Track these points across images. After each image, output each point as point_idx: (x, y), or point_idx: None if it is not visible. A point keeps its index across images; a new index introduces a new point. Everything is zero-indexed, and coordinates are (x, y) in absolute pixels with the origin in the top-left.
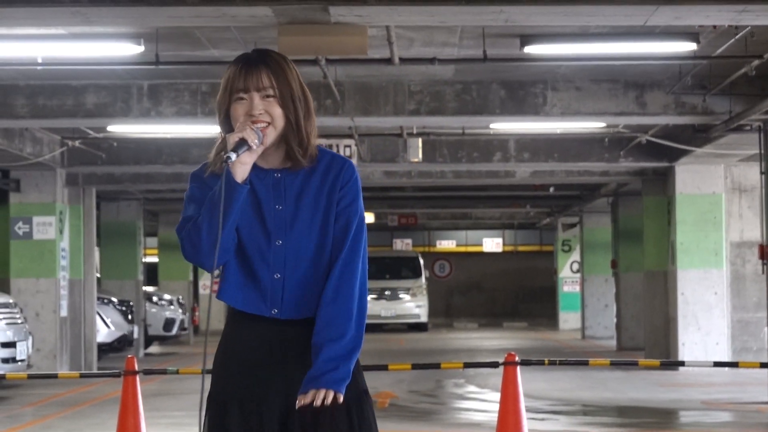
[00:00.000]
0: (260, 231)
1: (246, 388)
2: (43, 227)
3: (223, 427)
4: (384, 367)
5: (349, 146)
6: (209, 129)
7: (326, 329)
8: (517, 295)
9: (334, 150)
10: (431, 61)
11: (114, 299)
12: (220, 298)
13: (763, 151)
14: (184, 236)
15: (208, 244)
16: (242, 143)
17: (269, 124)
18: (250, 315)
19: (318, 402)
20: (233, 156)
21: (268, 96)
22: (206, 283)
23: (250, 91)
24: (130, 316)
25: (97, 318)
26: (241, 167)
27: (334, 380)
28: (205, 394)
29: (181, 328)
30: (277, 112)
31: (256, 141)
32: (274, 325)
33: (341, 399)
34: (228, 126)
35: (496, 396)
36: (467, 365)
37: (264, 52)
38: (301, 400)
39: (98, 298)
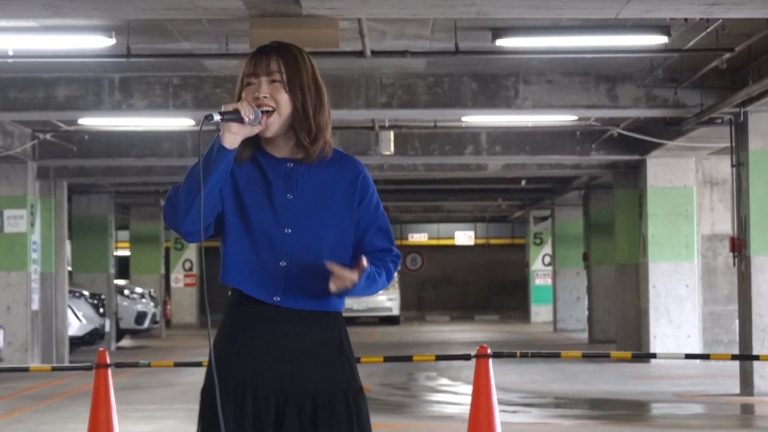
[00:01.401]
0: (270, 218)
1: (241, 371)
2: (14, 220)
3: (216, 413)
4: (356, 360)
5: None
6: (180, 122)
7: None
8: (489, 288)
9: None
10: (403, 53)
11: (85, 292)
12: (223, 281)
13: (734, 144)
14: (165, 201)
15: (185, 206)
16: (234, 112)
17: (274, 110)
18: (252, 300)
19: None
20: (216, 116)
21: (274, 81)
22: (178, 276)
23: (260, 76)
24: (101, 310)
25: (69, 311)
26: (230, 135)
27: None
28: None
29: (153, 321)
30: (283, 98)
31: (251, 116)
32: (274, 312)
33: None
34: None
35: (469, 389)
36: (439, 358)
37: (280, 42)
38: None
39: (70, 292)
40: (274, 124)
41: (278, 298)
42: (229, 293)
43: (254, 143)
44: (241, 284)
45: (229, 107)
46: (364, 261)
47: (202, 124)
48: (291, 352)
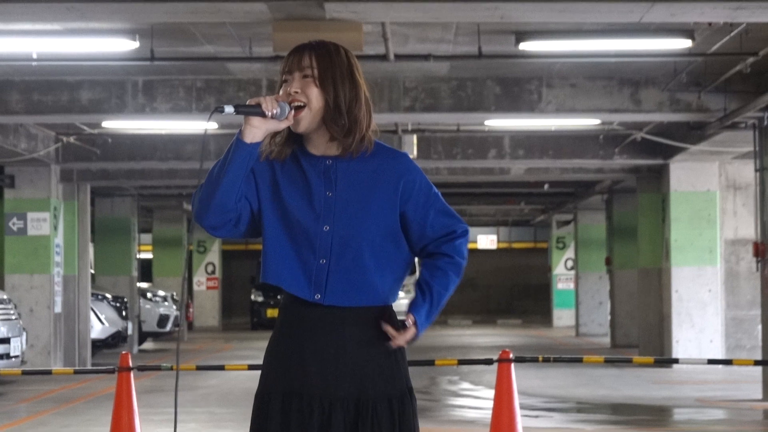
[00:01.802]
0: (309, 215)
1: (289, 379)
2: (38, 223)
3: (265, 420)
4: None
5: None
6: (204, 125)
7: (436, 273)
8: (511, 292)
9: None
10: (426, 57)
11: (108, 295)
12: (264, 280)
13: (757, 149)
14: (193, 197)
15: (206, 200)
16: (255, 106)
17: (305, 105)
18: (297, 300)
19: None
20: (227, 108)
21: (306, 76)
22: (201, 279)
23: (293, 72)
24: (124, 313)
25: (91, 314)
26: (250, 129)
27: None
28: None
29: (175, 324)
30: (314, 92)
31: (274, 111)
32: (317, 310)
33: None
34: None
35: (491, 393)
36: (461, 362)
37: (318, 40)
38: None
39: (92, 294)
40: (305, 119)
41: (319, 296)
42: (279, 296)
43: (296, 141)
44: (282, 281)
45: (252, 101)
46: (410, 320)
47: (211, 115)
48: (336, 355)
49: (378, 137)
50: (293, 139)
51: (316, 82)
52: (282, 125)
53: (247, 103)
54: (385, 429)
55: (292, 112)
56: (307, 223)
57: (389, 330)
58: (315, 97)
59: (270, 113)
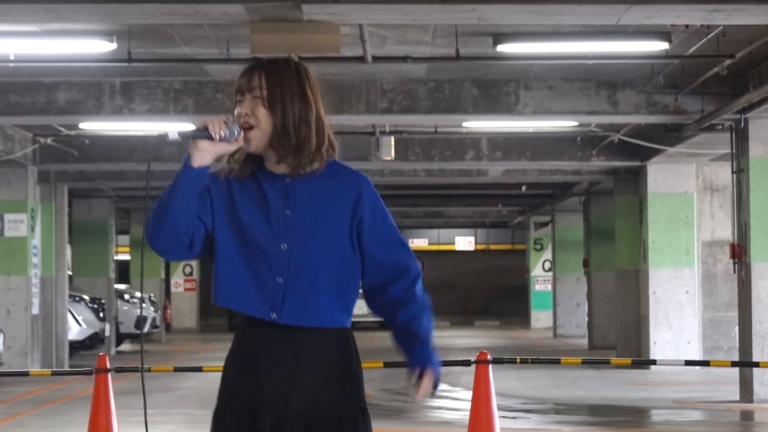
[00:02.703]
0: (267, 233)
1: (243, 396)
2: (15, 224)
3: None
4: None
5: None
6: (181, 127)
7: (413, 322)
8: (489, 294)
9: None
10: (404, 59)
11: (86, 297)
12: (214, 302)
13: (734, 151)
14: (146, 220)
15: (155, 225)
16: (202, 130)
17: (254, 126)
18: (254, 320)
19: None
20: (172, 134)
21: (255, 97)
22: (178, 280)
23: (243, 92)
24: (101, 314)
25: (69, 315)
26: (197, 153)
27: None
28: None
29: (153, 326)
30: (263, 114)
31: (223, 133)
32: (272, 329)
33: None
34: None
35: (468, 394)
36: None
37: (272, 57)
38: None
39: (70, 296)
40: (254, 139)
41: (275, 315)
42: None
43: (255, 160)
44: (233, 303)
45: (200, 125)
46: (426, 383)
47: (153, 142)
48: (290, 374)
49: (337, 151)
50: (253, 157)
51: (264, 102)
52: (232, 147)
53: (195, 127)
54: None
55: (242, 133)
56: (265, 241)
57: (424, 389)
58: (264, 118)
59: (218, 136)
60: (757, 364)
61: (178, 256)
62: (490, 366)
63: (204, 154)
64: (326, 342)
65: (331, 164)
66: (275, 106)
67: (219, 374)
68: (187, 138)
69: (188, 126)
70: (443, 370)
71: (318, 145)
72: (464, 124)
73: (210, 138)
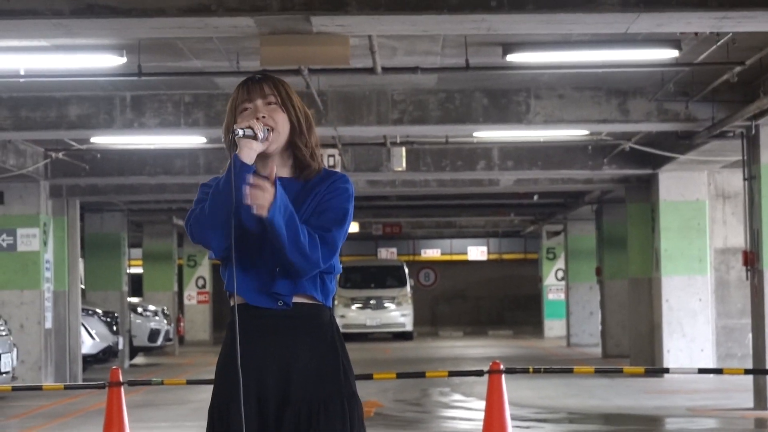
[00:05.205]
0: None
1: (247, 385)
2: (27, 239)
3: (227, 427)
4: (369, 377)
5: (333, 156)
6: (192, 140)
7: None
8: (502, 303)
9: None
10: (414, 70)
11: (99, 310)
12: (227, 289)
13: (746, 158)
14: (192, 220)
15: (212, 221)
16: (249, 129)
17: (273, 128)
18: (248, 307)
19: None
20: (240, 131)
21: (270, 103)
22: (191, 293)
23: (254, 100)
24: (114, 328)
25: (82, 329)
26: (248, 151)
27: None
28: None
29: (166, 338)
30: (281, 117)
31: (262, 134)
32: (272, 319)
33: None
34: (236, 146)
35: (482, 404)
36: (452, 374)
37: (262, 72)
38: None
39: (83, 310)
40: (275, 141)
41: (281, 303)
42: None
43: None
44: (245, 293)
45: (244, 123)
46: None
47: (231, 139)
48: (289, 359)
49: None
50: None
51: (281, 107)
52: (262, 147)
53: (237, 127)
54: (338, 426)
55: (270, 134)
56: (261, 238)
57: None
58: (282, 121)
59: (261, 135)
60: None
61: (216, 241)
62: (503, 375)
63: (252, 153)
64: (317, 322)
65: (325, 171)
66: (290, 109)
67: None
68: (248, 137)
69: (199, 137)
70: (456, 380)
71: (316, 144)
72: (475, 134)
73: (256, 138)
